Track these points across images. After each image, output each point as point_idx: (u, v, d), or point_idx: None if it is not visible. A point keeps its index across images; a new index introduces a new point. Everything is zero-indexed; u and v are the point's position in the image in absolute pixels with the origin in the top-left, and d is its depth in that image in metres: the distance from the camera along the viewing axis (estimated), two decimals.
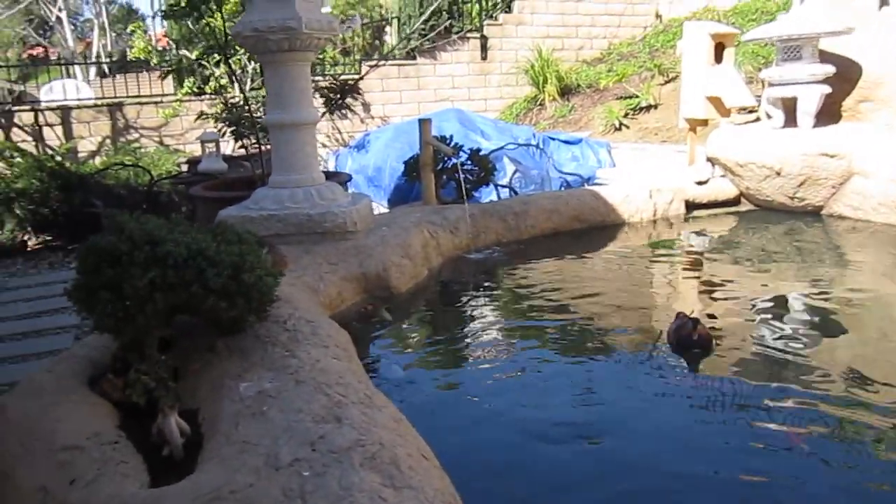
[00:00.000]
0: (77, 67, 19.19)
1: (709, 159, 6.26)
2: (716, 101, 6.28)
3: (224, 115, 6.36)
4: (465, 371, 3.19)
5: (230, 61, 6.71)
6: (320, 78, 8.67)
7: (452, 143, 5.51)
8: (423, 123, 5.42)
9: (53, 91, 12.28)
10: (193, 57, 7.45)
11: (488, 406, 2.77)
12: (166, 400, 1.80)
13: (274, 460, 1.59)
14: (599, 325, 3.62)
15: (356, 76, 8.97)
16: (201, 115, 6.81)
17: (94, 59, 20.82)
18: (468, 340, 3.54)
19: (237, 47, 6.71)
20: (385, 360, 3.29)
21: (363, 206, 4.40)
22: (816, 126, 5.75)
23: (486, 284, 4.52)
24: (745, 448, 2.36)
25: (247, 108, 6.14)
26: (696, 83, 6.36)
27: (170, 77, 9.01)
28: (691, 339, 3.06)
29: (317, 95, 6.54)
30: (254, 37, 3.96)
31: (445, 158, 5.49)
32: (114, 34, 24.72)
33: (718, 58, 6.30)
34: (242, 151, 7.01)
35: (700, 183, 6.16)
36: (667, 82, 9.56)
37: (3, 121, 8.85)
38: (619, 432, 2.51)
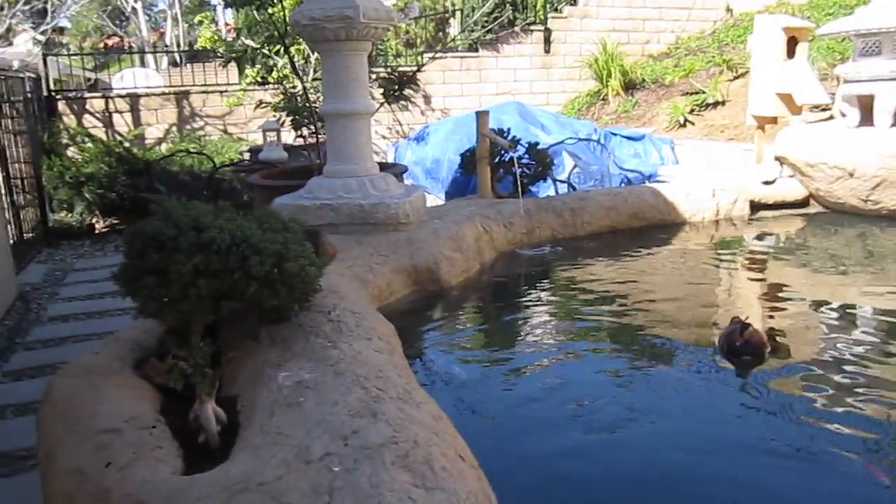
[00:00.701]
0: (150, 56, 19.73)
1: (777, 158, 6.02)
2: (786, 99, 6.02)
3: (283, 104, 6.43)
4: (513, 367, 3.13)
5: (291, 51, 6.75)
6: (382, 69, 8.67)
7: (510, 137, 5.44)
8: (480, 115, 5.36)
9: (124, 80, 12.67)
10: (256, 46, 7.53)
11: (535, 403, 2.71)
12: (203, 387, 1.80)
13: (305, 453, 1.56)
14: (653, 329, 3.50)
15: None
16: (260, 103, 6.90)
17: (164, 49, 21.38)
18: (517, 337, 3.48)
19: (298, 37, 6.76)
20: (433, 355, 3.26)
21: (416, 197, 4.36)
22: (894, 126, 5.45)
23: (539, 281, 4.43)
24: (810, 477, 2.17)
25: (306, 97, 6.17)
26: (766, 79, 6.11)
27: (236, 67, 9.16)
28: (739, 345, 2.92)
29: (376, 86, 6.54)
30: (311, 25, 3.96)
31: (503, 152, 5.42)
32: (186, 24, 25.35)
33: (791, 53, 6.04)
34: (301, 141, 7.07)
35: (767, 183, 5.93)
36: (735, 78, 9.25)
37: (76, 107, 9.16)
38: (670, 443, 2.41)
